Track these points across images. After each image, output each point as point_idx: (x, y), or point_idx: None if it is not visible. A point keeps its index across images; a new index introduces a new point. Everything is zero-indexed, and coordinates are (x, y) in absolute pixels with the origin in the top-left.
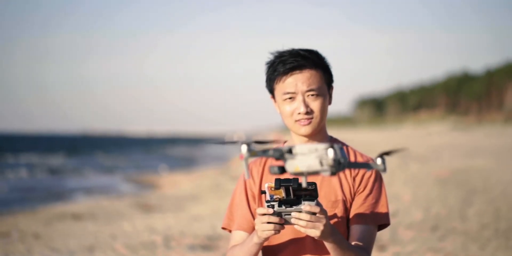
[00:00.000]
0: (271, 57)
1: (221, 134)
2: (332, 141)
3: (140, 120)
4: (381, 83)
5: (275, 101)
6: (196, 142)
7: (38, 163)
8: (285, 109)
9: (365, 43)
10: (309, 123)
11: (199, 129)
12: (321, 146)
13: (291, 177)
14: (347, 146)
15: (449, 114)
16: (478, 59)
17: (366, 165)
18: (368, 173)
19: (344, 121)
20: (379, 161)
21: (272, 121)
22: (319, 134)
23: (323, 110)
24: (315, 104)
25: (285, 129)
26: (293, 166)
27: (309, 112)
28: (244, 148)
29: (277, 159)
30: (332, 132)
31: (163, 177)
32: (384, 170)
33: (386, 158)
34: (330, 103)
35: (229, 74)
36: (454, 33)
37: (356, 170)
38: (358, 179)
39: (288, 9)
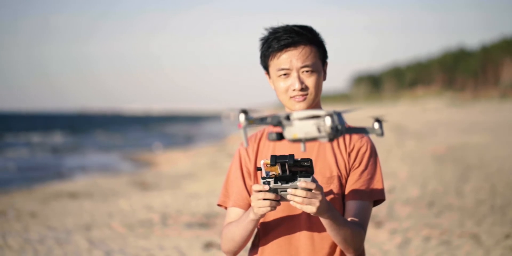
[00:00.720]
0: (265, 33)
1: (218, 111)
2: None
3: (137, 98)
4: (377, 59)
5: (269, 78)
6: (193, 120)
7: (35, 142)
8: (280, 85)
9: (362, 21)
10: (304, 99)
11: (196, 107)
12: (319, 113)
13: (287, 146)
14: None
15: (445, 90)
16: (474, 35)
17: (364, 130)
18: (363, 149)
19: (341, 97)
20: (376, 125)
21: (268, 98)
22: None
23: (318, 86)
24: (309, 80)
25: (281, 106)
26: (291, 132)
27: (304, 88)
28: (242, 116)
29: (275, 126)
30: (328, 108)
31: (159, 155)
32: (382, 134)
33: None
34: (324, 79)
35: (225, 52)
36: (450, 10)
37: (351, 146)
38: (353, 155)
39: None
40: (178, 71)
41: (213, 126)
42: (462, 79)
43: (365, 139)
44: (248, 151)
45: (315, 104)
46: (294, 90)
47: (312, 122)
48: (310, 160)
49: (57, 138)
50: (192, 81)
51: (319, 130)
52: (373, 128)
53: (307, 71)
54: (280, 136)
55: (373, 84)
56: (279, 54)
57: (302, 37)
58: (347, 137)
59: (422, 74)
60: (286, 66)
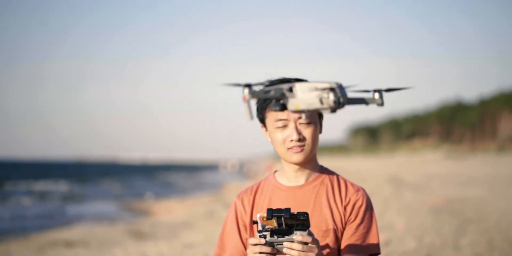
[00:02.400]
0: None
1: (215, 161)
2: (323, 171)
3: (134, 147)
4: (375, 111)
5: (266, 130)
6: (190, 169)
7: (36, 190)
8: (277, 136)
9: (358, 70)
10: (302, 150)
11: (193, 156)
12: (322, 85)
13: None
14: (337, 175)
15: (443, 143)
16: (472, 88)
17: (363, 101)
18: (358, 203)
19: (338, 149)
20: (376, 95)
21: (264, 148)
22: (310, 163)
23: (315, 138)
24: (307, 132)
25: (277, 157)
26: (293, 104)
27: (302, 139)
28: (246, 90)
29: (278, 97)
30: (325, 159)
31: (154, 204)
32: (382, 104)
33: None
34: (320, 132)
35: (220, 100)
36: (447, 62)
37: (347, 200)
38: (349, 208)
39: (280, 36)
40: (175, 120)
41: (209, 176)
42: (459, 131)
43: (360, 193)
44: (244, 204)
45: (311, 156)
46: (291, 140)
47: (315, 94)
48: (307, 213)
49: (60, 186)
50: (189, 131)
51: (321, 101)
52: (373, 99)
53: (304, 123)
54: (283, 107)
55: (370, 135)
56: None
57: None
58: (343, 190)
59: (419, 126)
60: (284, 117)
